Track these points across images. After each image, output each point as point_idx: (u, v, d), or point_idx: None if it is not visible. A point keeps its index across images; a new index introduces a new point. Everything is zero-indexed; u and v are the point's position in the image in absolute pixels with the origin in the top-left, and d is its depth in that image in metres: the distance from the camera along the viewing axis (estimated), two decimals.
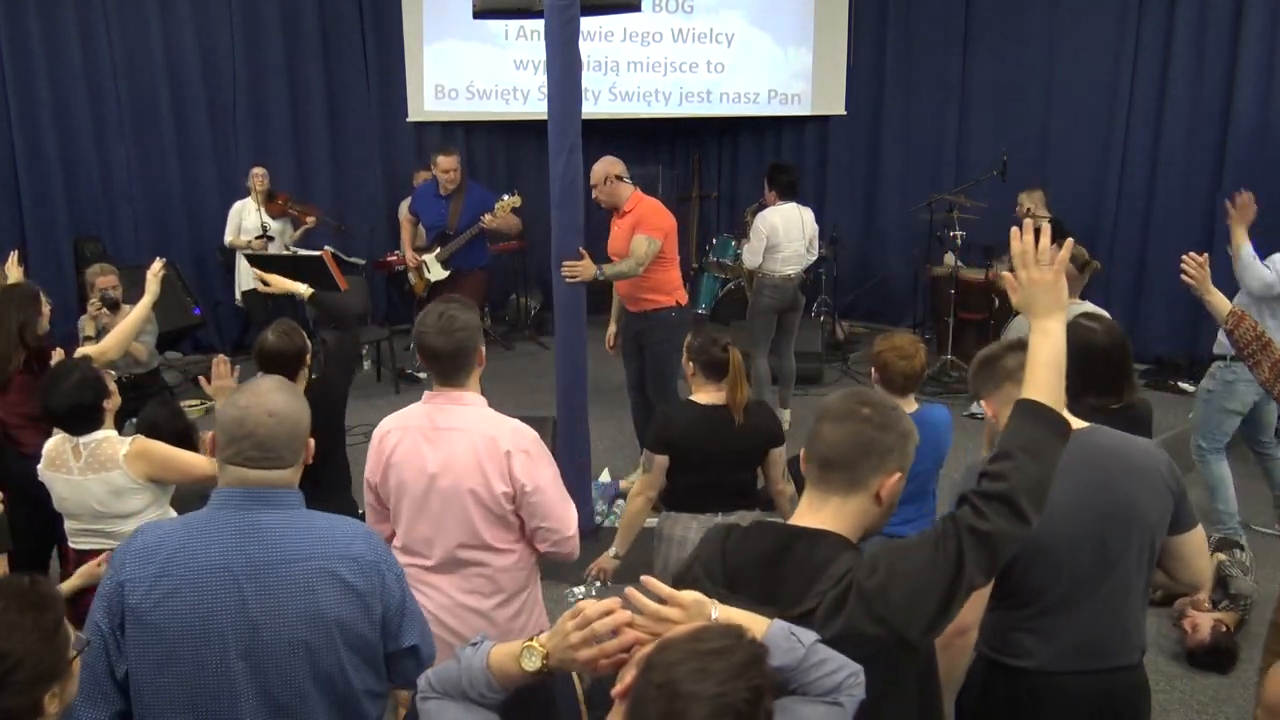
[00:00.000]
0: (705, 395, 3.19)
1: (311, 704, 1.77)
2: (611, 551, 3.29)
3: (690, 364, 3.20)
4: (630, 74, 8.62)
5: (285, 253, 6.74)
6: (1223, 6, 6.87)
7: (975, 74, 8.16)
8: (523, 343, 8.20)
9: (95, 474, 2.89)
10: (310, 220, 7.14)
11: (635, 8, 4.46)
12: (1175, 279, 3.23)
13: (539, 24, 4.15)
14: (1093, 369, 2.46)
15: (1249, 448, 4.78)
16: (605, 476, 5.02)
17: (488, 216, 5.97)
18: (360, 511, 3.55)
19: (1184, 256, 3.09)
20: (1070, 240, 1.80)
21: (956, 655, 2.09)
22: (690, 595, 1.48)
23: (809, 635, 1.46)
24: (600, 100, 8.42)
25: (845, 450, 1.63)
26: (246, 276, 6.76)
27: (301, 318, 6.83)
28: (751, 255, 5.91)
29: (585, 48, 4.13)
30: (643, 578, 1.57)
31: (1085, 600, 2.04)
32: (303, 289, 3.69)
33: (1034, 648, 2.07)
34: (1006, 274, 1.79)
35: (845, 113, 8.72)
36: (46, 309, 3.84)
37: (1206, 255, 3.11)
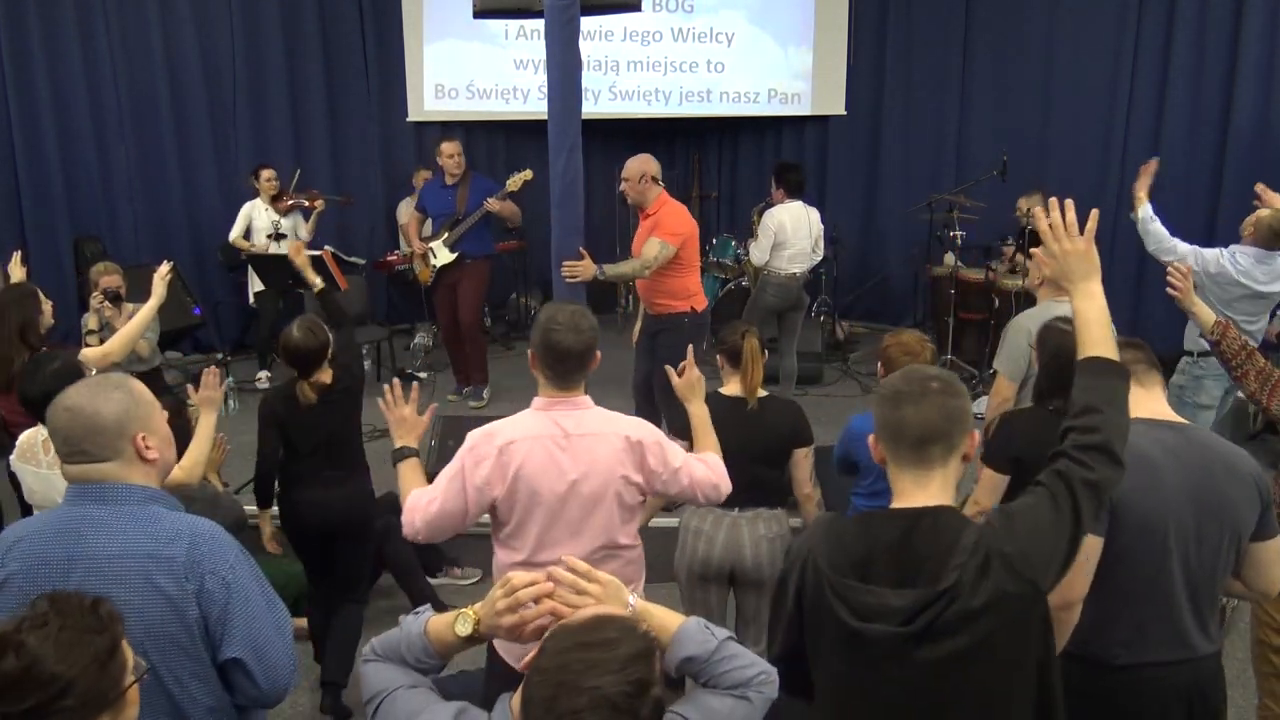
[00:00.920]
0: (730, 387, 3.23)
1: None
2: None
3: (719, 355, 3.26)
4: (630, 74, 8.62)
5: (283, 253, 6.73)
6: (1223, 6, 6.88)
7: (975, 74, 8.17)
8: (523, 343, 8.18)
9: (60, 469, 2.89)
10: (318, 204, 7.14)
11: (635, 7, 4.46)
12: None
13: (539, 24, 4.15)
14: (1064, 373, 2.55)
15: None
16: None
17: (492, 200, 6.05)
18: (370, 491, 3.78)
19: (1170, 267, 3.11)
20: (1096, 211, 1.92)
21: (1062, 629, 2.08)
22: (609, 578, 1.62)
23: (722, 631, 1.59)
24: (600, 100, 8.42)
25: (938, 424, 1.72)
26: (258, 277, 6.80)
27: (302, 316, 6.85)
28: (759, 253, 5.94)
29: (585, 48, 4.13)
30: (564, 556, 1.69)
31: (1178, 591, 2.10)
32: (317, 281, 3.85)
33: (1125, 642, 2.12)
34: (1036, 251, 1.96)
35: (845, 113, 8.72)
36: (48, 307, 3.83)
37: (1190, 267, 3.15)
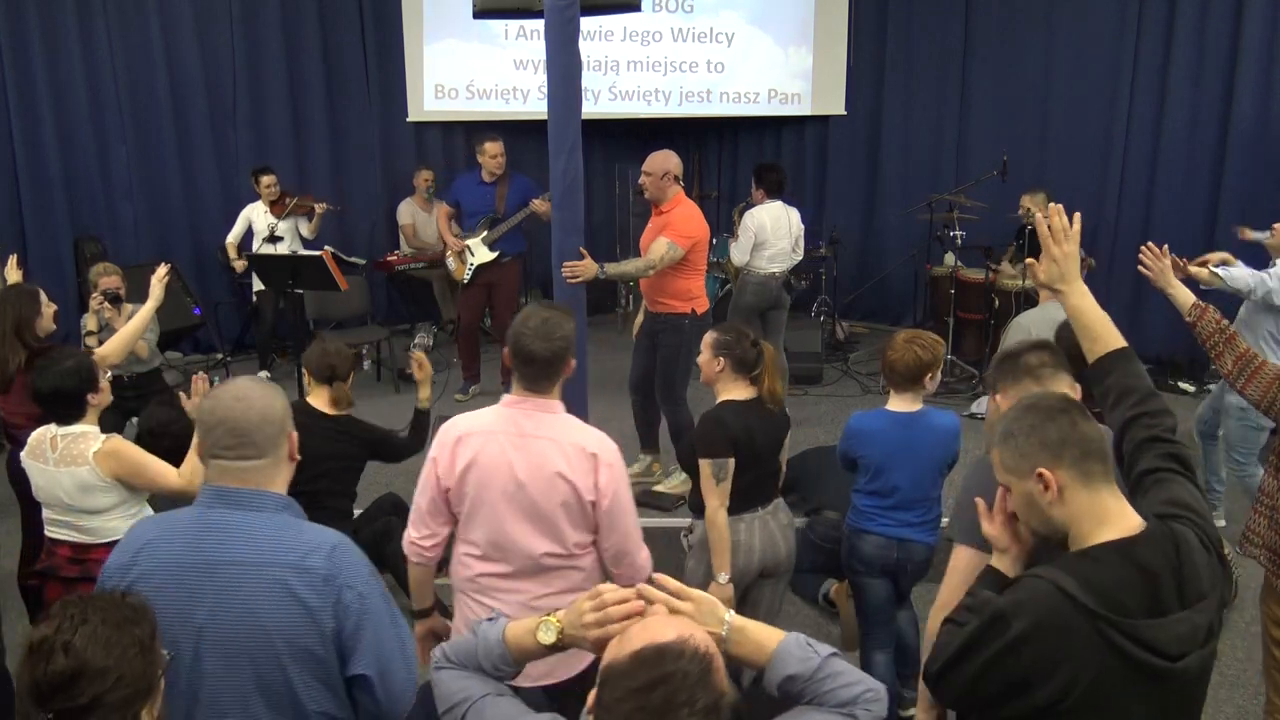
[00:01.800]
0: (739, 391, 3.13)
1: (255, 711, 1.74)
2: (723, 579, 3.03)
3: (720, 359, 3.12)
4: (630, 74, 8.62)
5: (285, 253, 6.74)
6: (1223, 6, 6.88)
7: (975, 74, 8.17)
8: None
9: (66, 467, 2.90)
10: (321, 206, 7.18)
11: (635, 8, 4.45)
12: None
13: (539, 24, 4.14)
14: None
15: (1197, 429, 4.83)
16: None
17: (538, 201, 6.07)
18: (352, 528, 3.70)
19: (1142, 247, 3.08)
20: (1079, 215, 1.97)
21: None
22: (701, 594, 1.54)
23: (824, 648, 1.51)
24: (600, 100, 8.42)
25: (1103, 442, 1.68)
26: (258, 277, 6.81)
27: (302, 318, 6.86)
28: (739, 252, 5.96)
29: (585, 48, 4.12)
30: (655, 575, 1.61)
31: None
32: (424, 397, 3.92)
33: None
34: (1031, 261, 1.99)
35: (845, 113, 8.72)
36: (49, 309, 3.83)
37: (1166, 246, 3.10)
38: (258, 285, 6.98)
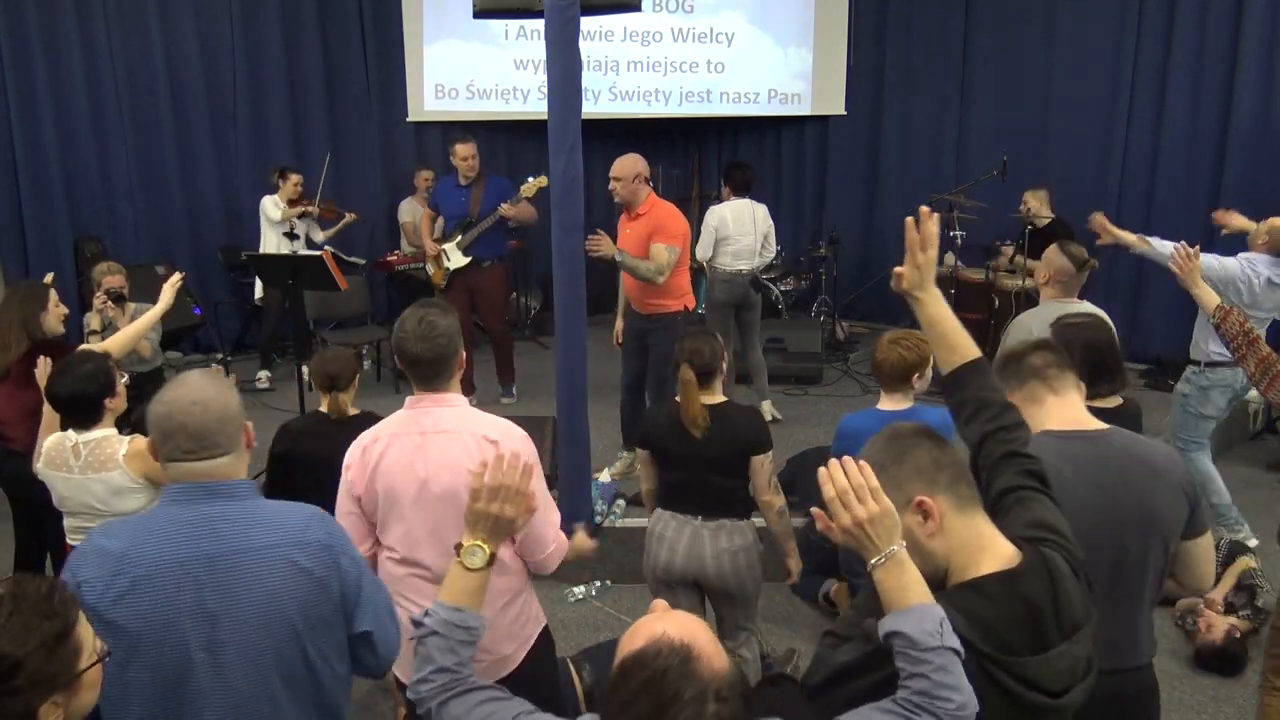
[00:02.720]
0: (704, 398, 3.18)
1: (276, 692, 1.79)
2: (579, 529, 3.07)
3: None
4: (630, 74, 8.62)
5: (285, 253, 6.74)
6: (1223, 6, 6.88)
7: (975, 74, 8.17)
8: (523, 343, 8.18)
9: (95, 473, 2.89)
10: (349, 216, 7.29)
11: (635, 8, 4.46)
12: (1173, 278, 3.23)
13: (539, 24, 4.14)
14: (1104, 363, 2.62)
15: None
16: (605, 476, 5.03)
17: (506, 205, 6.03)
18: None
19: (1175, 247, 3.09)
20: (927, 209, 1.86)
21: None
22: (889, 506, 1.48)
23: (955, 643, 1.41)
24: (600, 100, 8.42)
25: (967, 466, 1.71)
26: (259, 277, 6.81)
27: (302, 318, 6.86)
28: (701, 248, 5.97)
29: (585, 48, 4.13)
30: (845, 460, 1.57)
31: (1100, 602, 2.04)
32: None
33: None
34: (898, 270, 1.87)
35: (845, 113, 8.72)
36: (58, 310, 3.86)
37: (1198, 247, 3.12)
38: (260, 286, 6.99)
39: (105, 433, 2.96)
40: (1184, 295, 3.27)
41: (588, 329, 4.36)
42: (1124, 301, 7.20)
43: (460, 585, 1.70)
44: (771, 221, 6.17)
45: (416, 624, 1.69)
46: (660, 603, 1.51)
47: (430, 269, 6.38)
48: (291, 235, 6.96)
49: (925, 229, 1.83)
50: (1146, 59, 7.27)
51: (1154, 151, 7.32)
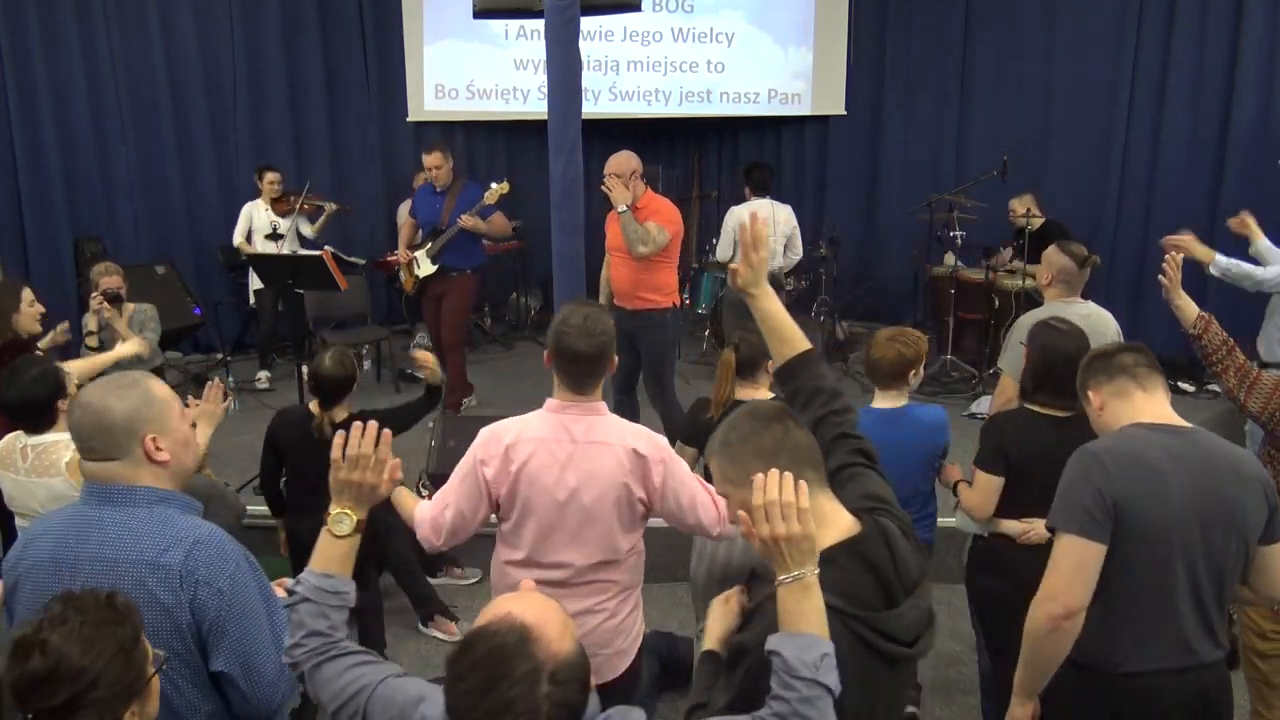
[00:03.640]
0: (741, 391, 3.20)
1: None
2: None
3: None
4: (630, 74, 8.62)
5: (284, 253, 6.74)
6: (1223, 6, 6.88)
7: (975, 74, 8.16)
8: (523, 343, 8.19)
9: (39, 477, 2.84)
10: (330, 207, 7.17)
11: (635, 7, 4.47)
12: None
13: (539, 24, 4.15)
14: (1052, 372, 2.79)
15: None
16: None
17: (465, 217, 5.79)
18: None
19: (1167, 257, 3.08)
20: (763, 220, 2.04)
21: (1064, 639, 2.08)
22: (810, 528, 1.52)
23: (831, 678, 1.45)
24: (600, 100, 8.42)
25: (815, 449, 1.79)
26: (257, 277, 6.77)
27: (302, 318, 6.85)
28: (722, 248, 5.97)
29: (585, 48, 4.13)
30: None
31: (1183, 598, 2.08)
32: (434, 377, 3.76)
33: (1129, 650, 2.10)
34: (732, 267, 2.01)
35: (845, 113, 8.71)
36: (32, 309, 3.84)
37: (1183, 256, 3.13)
38: (256, 285, 6.97)
39: (56, 437, 2.90)
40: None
41: None
42: (1124, 301, 7.19)
43: (329, 552, 1.72)
44: (796, 224, 6.16)
45: (290, 593, 1.71)
46: (527, 583, 1.56)
47: (402, 276, 6.23)
48: (276, 236, 6.92)
49: (755, 230, 1.98)
50: (1146, 60, 7.27)
51: (1154, 152, 7.32)
